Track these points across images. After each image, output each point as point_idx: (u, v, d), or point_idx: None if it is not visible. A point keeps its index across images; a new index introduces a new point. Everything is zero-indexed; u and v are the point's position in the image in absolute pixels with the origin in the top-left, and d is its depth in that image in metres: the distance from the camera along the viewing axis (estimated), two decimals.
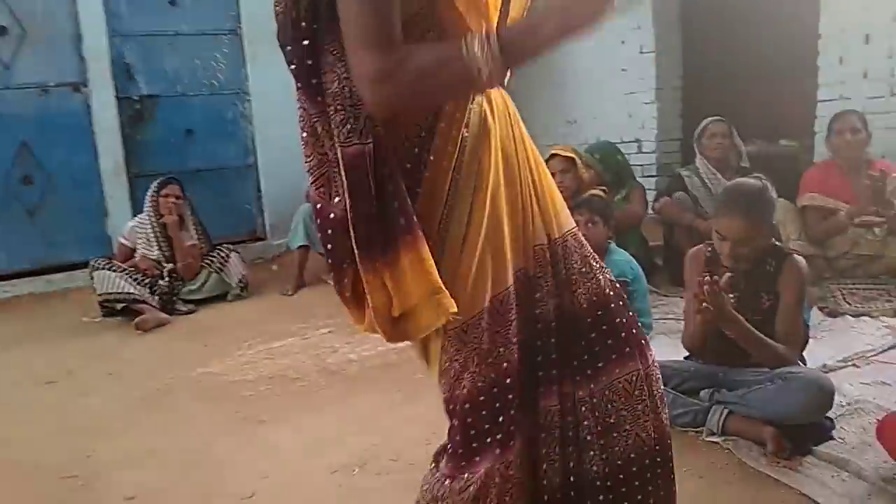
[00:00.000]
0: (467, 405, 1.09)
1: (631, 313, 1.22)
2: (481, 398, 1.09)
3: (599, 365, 1.18)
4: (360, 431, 2.44)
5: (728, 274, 2.04)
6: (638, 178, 5.22)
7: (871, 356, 2.63)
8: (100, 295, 4.16)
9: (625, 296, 1.24)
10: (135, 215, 4.93)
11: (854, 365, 2.57)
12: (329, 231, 1.06)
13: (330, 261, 1.09)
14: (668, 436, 1.21)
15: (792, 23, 4.31)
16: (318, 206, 1.08)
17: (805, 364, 2.18)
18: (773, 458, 1.94)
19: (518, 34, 0.97)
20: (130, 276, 4.24)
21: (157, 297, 4.26)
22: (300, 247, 4.65)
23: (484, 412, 1.09)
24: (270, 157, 5.41)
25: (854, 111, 3.47)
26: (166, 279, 4.34)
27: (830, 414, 2.10)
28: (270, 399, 2.83)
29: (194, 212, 4.56)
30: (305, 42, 1.01)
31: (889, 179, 3.33)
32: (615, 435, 1.17)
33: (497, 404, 1.10)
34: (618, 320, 1.20)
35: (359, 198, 1.00)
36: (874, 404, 2.22)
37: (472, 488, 1.08)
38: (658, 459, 1.19)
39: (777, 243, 2.22)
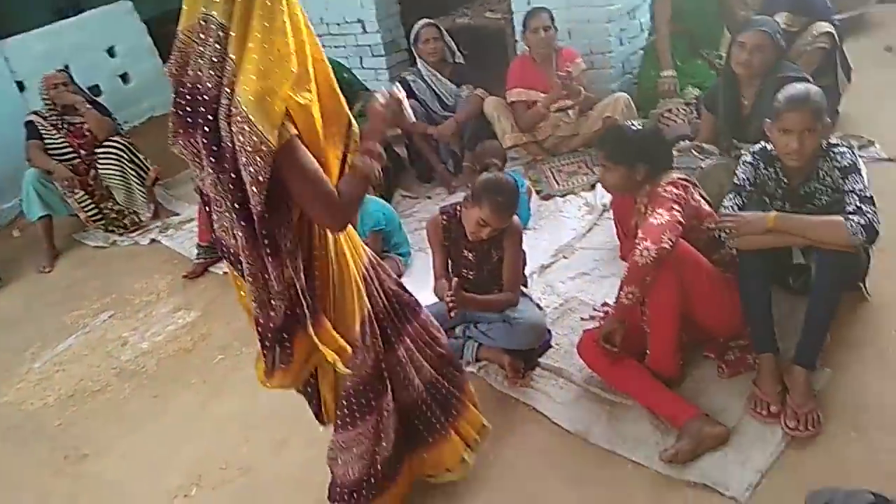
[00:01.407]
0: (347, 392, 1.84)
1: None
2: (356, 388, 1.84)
3: (406, 325, 1.95)
4: (183, 442, 2.72)
5: (455, 280, 2.49)
6: (370, 57, 5.44)
7: (576, 244, 3.34)
8: None
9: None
10: None
11: (564, 257, 3.27)
12: (270, 333, 1.65)
13: (266, 344, 1.67)
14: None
15: None
16: (261, 319, 1.64)
17: (528, 295, 2.79)
18: (512, 380, 2.57)
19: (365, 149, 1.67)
20: None
21: None
22: (41, 217, 4.40)
23: (359, 394, 1.83)
24: None
25: (544, 9, 3.88)
26: None
27: (548, 318, 2.80)
28: (81, 424, 2.97)
29: None
30: (270, 233, 1.52)
31: (573, 65, 3.90)
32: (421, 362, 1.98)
33: (368, 387, 1.83)
34: (405, 295, 1.97)
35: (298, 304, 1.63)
36: (578, 299, 2.93)
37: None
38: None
39: None
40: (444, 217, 2.72)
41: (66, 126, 4.46)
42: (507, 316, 2.62)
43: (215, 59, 1.41)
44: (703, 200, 2.42)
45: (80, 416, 3.02)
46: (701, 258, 2.26)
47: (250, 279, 1.58)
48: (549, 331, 2.73)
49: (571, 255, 3.28)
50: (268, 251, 1.53)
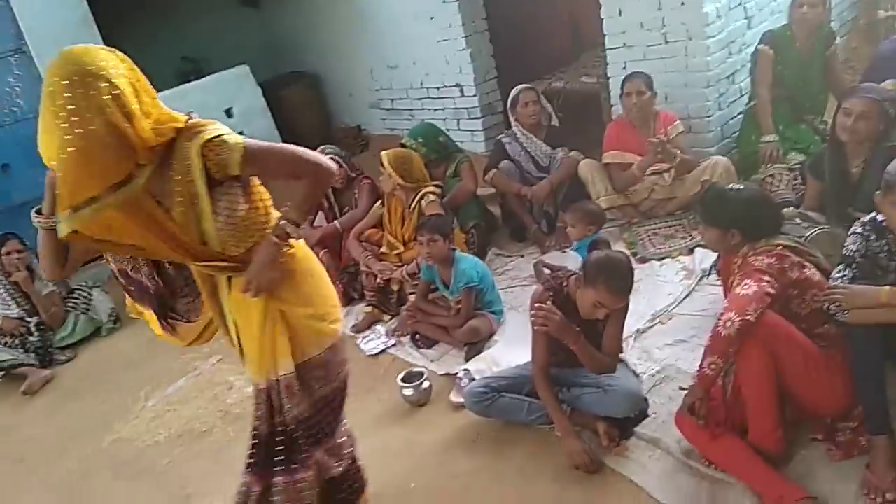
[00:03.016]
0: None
1: None
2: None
3: None
4: None
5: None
6: (467, 119, 5.62)
7: (673, 309, 3.29)
8: None
9: None
10: None
11: (660, 322, 3.23)
12: None
13: None
14: None
15: None
16: None
17: (624, 360, 2.76)
18: (607, 448, 2.54)
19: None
20: None
21: (32, 355, 4.28)
22: None
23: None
24: None
25: (642, 73, 3.93)
26: (35, 334, 4.34)
27: (644, 385, 2.76)
28: (186, 464, 3.12)
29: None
30: None
31: (671, 128, 3.92)
32: None
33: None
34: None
35: None
36: (675, 367, 2.88)
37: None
38: None
39: None
40: (551, 293, 2.69)
41: None
42: (602, 382, 2.60)
43: None
44: (811, 269, 2.35)
45: (187, 456, 3.18)
46: (794, 331, 2.19)
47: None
48: (645, 399, 2.68)
49: (668, 320, 3.23)
50: None
